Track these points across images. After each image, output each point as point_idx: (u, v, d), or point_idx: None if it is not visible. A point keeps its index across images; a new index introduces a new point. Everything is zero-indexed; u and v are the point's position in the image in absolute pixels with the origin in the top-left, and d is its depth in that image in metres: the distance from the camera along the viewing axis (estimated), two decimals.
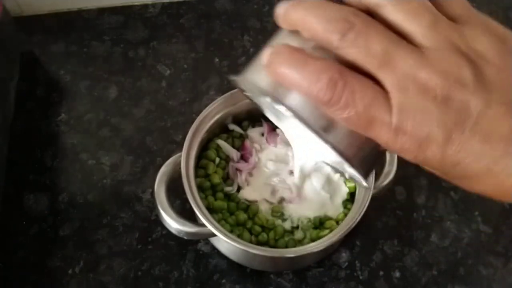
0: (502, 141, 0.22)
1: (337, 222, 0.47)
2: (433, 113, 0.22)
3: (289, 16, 0.24)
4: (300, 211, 0.48)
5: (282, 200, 0.49)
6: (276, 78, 0.24)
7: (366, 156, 0.26)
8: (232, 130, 0.52)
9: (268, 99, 0.25)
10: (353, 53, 0.22)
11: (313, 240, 0.46)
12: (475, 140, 0.22)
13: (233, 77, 0.27)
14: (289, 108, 0.24)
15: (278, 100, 0.25)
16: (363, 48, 0.22)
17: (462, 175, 0.23)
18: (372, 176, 0.46)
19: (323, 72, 0.22)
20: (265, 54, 0.24)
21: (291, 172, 0.50)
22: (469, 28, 0.23)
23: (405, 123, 0.22)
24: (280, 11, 0.25)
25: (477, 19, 0.24)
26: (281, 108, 0.25)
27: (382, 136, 0.23)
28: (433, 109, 0.22)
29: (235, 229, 0.47)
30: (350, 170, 0.27)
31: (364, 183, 0.28)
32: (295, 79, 0.23)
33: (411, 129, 0.22)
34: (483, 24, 0.23)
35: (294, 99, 0.24)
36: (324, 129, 0.24)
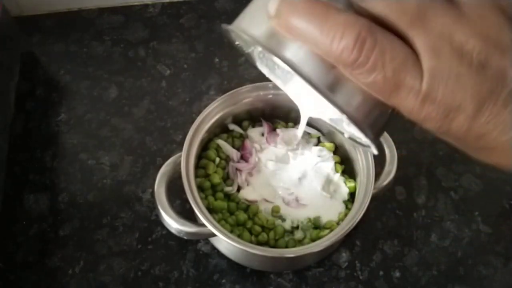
0: None
1: (337, 222, 0.47)
2: (468, 80, 0.19)
3: None
4: (300, 211, 0.48)
5: (281, 200, 0.49)
6: (286, 31, 0.20)
7: (377, 118, 0.23)
8: (232, 130, 0.53)
9: (264, 51, 0.22)
10: (381, 6, 0.19)
11: (313, 240, 0.46)
12: (507, 112, 0.20)
13: (225, 26, 0.23)
14: (289, 63, 0.21)
15: (276, 52, 0.21)
16: (394, 0, 0.19)
17: (484, 146, 0.21)
18: (373, 175, 0.46)
19: (349, 27, 0.19)
20: (273, 1, 0.20)
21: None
22: None
23: (435, 90, 0.19)
24: None
25: None
26: (280, 62, 0.21)
27: (407, 103, 0.20)
28: (468, 76, 0.19)
29: (235, 229, 0.47)
30: (358, 134, 0.25)
31: (374, 150, 0.25)
32: (313, 35, 0.19)
33: (441, 97, 0.20)
34: None
35: (296, 51, 0.21)
36: (330, 87, 0.21)
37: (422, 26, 0.19)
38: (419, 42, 0.19)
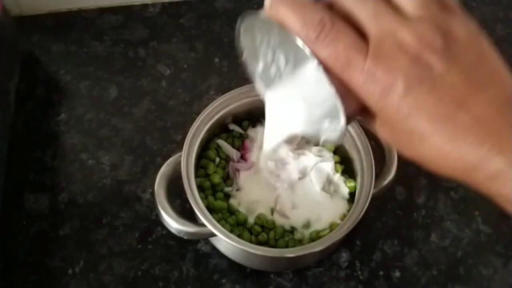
0: (453, 104, 0.25)
1: (337, 222, 0.47)
2: (401, 65, 0.25)
3: None
4: (300, 211, 0.48)
5: (282, 200, 0.49)
6: (276, 18, 0.27)
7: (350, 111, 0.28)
8: (232, 130, 0.52)
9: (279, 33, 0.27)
10: (351, 3, 0.26)
11: (313, 240, 0.46)
12: (430, 97, 0.25)
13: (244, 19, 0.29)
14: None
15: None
16: (360, 2, 0.26)
17: (410, 131, 0.26)
18: (373, 175, 0.46)
19: (317, 13, 0.26)
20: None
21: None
22: (455, 18, 0.26)
23: (375, 67, 0.25)
24: None
25: (464, 16, 0.27)
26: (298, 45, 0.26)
27: (354, 78, 0.26)
28: (402, 62, 0.25)
29: (235, 229, 0.47)
30: (325, 136, 0.30)
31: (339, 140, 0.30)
32: (293, 21, 0.26)
33: (380, 74, 0.25)
34: (468, 23, 0.26)
35: None
36: None
37: (375, 21, 0.26)
38: (370, 31, 0.26)
